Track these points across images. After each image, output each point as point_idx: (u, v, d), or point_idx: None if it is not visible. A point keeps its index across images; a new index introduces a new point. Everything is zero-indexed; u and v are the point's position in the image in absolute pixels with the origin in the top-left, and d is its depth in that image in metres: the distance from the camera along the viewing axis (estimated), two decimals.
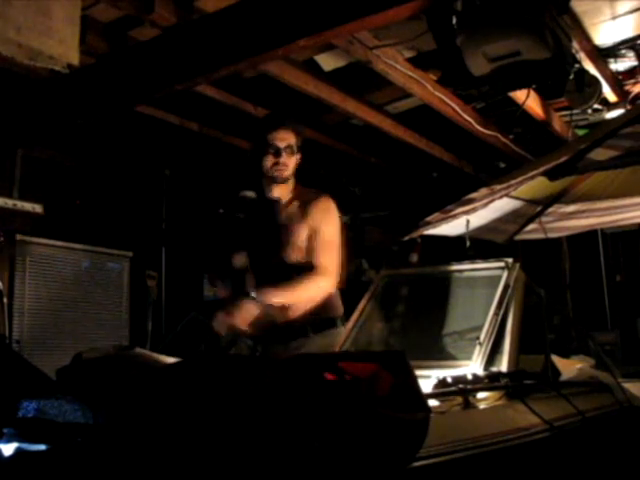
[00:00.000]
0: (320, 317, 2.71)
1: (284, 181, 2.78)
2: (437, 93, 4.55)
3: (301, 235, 2.72)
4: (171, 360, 1.74)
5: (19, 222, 4.99)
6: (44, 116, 4.42)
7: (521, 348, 2.29)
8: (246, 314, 2.58)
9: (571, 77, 3.81)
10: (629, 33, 4.14)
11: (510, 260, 2.50)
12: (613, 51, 4.31)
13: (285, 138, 2.74)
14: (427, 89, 4.46)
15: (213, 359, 1.76)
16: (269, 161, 2.74)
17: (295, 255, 2.71)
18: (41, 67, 2.79)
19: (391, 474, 1.40)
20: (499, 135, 5.37)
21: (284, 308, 2.66)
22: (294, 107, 4.95)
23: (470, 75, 3.43)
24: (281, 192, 2.80)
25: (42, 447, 1.33)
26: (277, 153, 2.73)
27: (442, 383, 1.91)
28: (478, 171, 6.46)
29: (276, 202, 2.80)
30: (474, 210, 3.28)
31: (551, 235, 4.35)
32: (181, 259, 5.97)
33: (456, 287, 2.66)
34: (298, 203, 2.79)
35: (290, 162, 2.76)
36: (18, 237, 4.99)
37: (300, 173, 2.84)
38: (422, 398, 1.49)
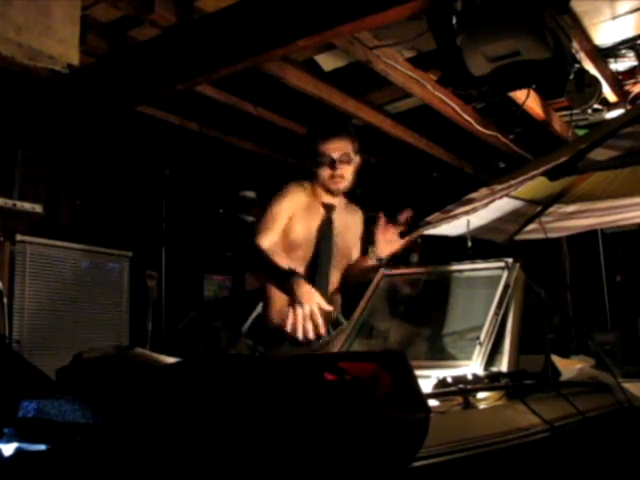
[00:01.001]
0: (336, 317, 2.76)
1: (341, 193, 2.71)
2: (437, 93, 4.55)
3: (354, 254, 2.81)
4: (171, 360, 1.74)
5: (19, 222, 4.99)
6: (44, 116, 4.41)
7: (521, 348, 2.29)
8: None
9: (571, 77, 3.81)
10: (629, 33, 4.14)
11: (510, 260, 2.49)
12: (613, 51, 4.30)
13: (339, 147, 2.60)
14: (427, 89, 4.46)
15: (213, 359, 1.76)
16: (325, 172, 2.61)
17: (345, 263, 2.78)
18: (41, 67, 2.79)
19: (391, 474, 1.40)
20: (499, 135, 5.37)
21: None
22: (294, 107, 4.96)
23: (470, 75, 3.43)
24: (335, 201, 2.74)
25: (42, 447, 1.33)
26: (332, 164, 2.59)
27: (442, 383, 1.91)
28: (478, 171, 6.46)
29: (331, 208, 2.72)
30: (474, 210, 3.27)
31: (551, 235, 4.33)
32: (181, 259, 5.97)
33: (456, 287, 2.66)
34: (348, 221, 2.79)
35: (348, 172, 2.64)
36: (18, 237, 4.99)
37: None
38: (422, 398, 1.49)
